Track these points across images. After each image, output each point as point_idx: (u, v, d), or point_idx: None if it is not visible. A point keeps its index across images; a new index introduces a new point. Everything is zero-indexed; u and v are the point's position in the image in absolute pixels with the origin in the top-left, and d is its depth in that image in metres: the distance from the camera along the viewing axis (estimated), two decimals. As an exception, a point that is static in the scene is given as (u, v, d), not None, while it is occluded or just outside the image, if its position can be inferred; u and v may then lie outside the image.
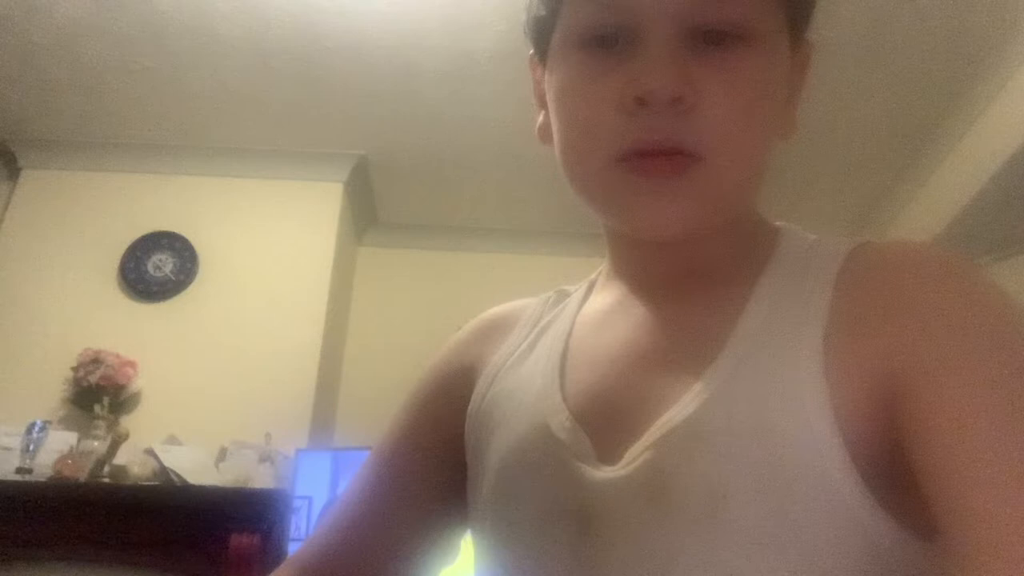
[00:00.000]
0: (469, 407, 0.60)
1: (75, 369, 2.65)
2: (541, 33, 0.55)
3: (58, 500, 2.37)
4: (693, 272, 0.54)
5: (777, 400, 0.43)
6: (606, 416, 0.50)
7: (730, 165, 0.49)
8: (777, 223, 0.57)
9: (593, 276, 0.64)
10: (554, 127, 0.54)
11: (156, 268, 2.96)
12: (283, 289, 2.97)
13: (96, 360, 2.65)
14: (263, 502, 2.41)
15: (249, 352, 2.83)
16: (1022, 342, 0.40)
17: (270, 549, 2.35)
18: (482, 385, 0.59)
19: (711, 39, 0.47)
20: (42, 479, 2.40)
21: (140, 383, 2.73)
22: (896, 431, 0.40)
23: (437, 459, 0.61)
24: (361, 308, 3.42)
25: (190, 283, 2.95)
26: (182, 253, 2.99)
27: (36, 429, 2.49)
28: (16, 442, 2.46)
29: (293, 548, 2.36)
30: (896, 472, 0.40)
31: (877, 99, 2.70)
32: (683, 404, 0.46)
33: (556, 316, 0.61)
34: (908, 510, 0.41)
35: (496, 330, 0.63)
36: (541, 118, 0.58)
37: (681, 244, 0.53)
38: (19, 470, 2.41)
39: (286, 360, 2.83)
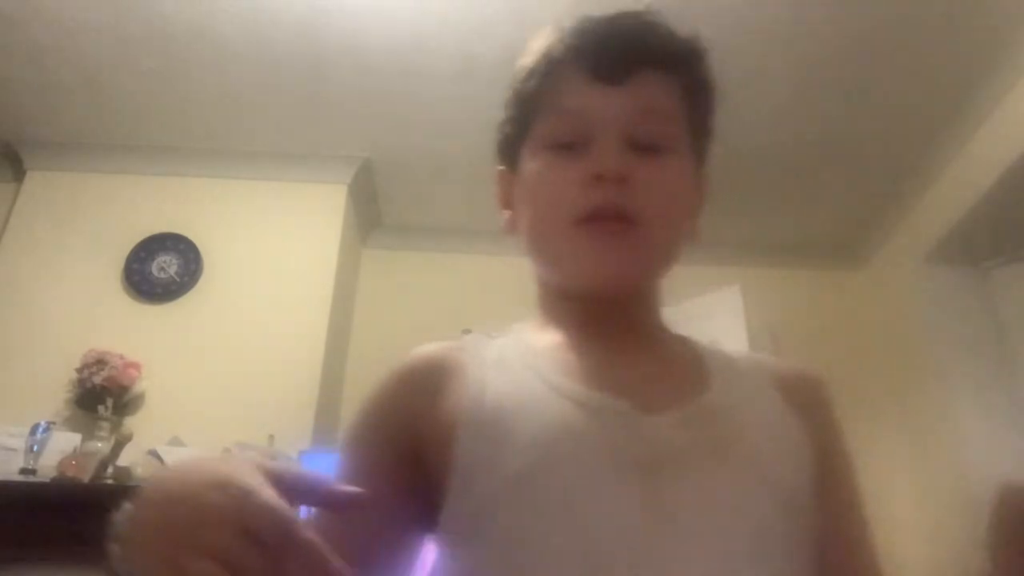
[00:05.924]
0: (456, 416, 0.63)
1: (79, 370, 2.65)
2: (511, 147, 0.76)
3: (61, 501, 2.36)
4: (625, 327, 0.70)
5: (770, 405, 0.67)
6: (628, 398, 0.61)
7: (656, 233, 0.67)
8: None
9: (515, 328, 0.74)
10: (525, 209, 0.72)
11: (160, 269, 2.97)
12: (287, 291, 2.97)
13: (100, 361, 2.65)
14: (266, 504, 2.41)
15: (253, 354, 2.83)
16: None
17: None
18: (472, 396, 0.64)
19: (642, 148, 0.67)
20: (46, 480, 2.40)
21: (144, 384, 2.73)
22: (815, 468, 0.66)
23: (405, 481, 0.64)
24: (365, 310, 3.42)
25: (194, 285, 2.96)
26: (186, 255, 2.99)
27: (40, 430, 2.50)
28: (20, 443, 2.46)
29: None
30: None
31: (883, 103, 2.70)
32: (712, 393, 0.65)
33: (504, 345, 0.70)
34: None
35: (438, 372, 0.68)
36: (507, 216, 0.77)
37: (616, 302, 0.70)
38: (23, 471, 2.41)
39: (290, 362, 2.83)
